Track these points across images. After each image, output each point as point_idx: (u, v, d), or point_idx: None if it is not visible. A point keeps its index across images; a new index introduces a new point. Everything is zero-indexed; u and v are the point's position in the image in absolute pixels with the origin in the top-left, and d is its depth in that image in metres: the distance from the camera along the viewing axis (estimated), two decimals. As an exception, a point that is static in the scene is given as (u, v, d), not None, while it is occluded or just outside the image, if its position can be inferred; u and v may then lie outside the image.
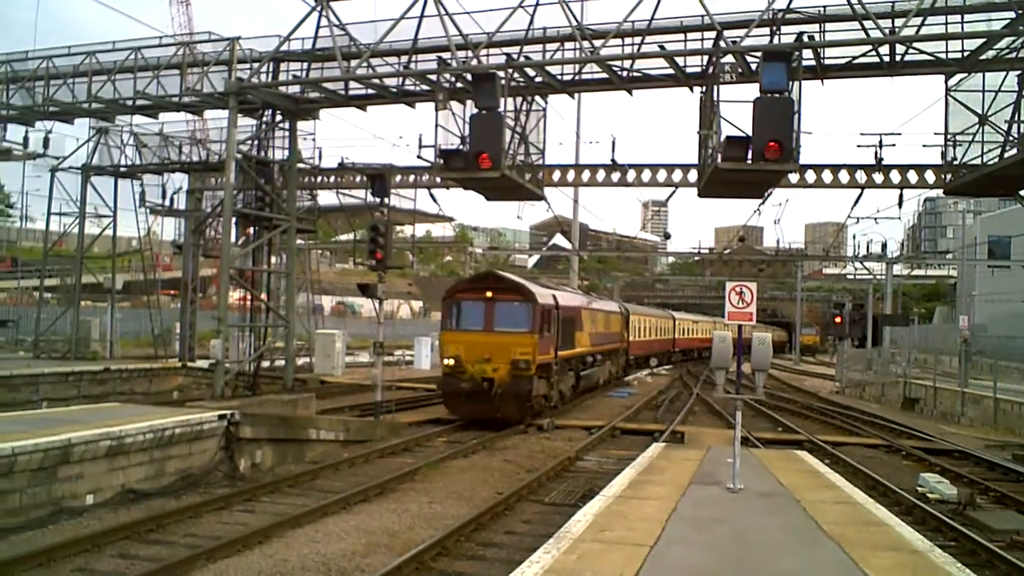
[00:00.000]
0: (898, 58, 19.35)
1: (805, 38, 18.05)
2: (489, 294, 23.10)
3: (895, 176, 22.64)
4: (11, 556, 10.19)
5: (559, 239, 79.91)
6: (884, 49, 19.06)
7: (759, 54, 17.22)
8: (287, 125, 24.07)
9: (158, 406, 18.84)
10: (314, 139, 26.49)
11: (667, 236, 67.02)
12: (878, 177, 22.69)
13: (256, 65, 22.48)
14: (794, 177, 22.25)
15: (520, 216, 56.15)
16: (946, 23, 18.33)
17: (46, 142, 30.89)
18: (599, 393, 35.17)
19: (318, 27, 20.55)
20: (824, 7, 19.40)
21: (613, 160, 24.96)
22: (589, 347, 30.90)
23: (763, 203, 27.14)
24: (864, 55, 19.43)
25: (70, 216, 33.12)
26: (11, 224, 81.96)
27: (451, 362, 22.88)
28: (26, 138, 30.77)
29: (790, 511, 11.28)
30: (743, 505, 11.51)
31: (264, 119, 23.71)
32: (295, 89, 23.32)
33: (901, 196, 24.07)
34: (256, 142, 23.84)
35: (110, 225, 33.57)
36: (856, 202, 24.54)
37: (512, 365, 22.44)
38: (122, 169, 31.86)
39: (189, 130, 31.32)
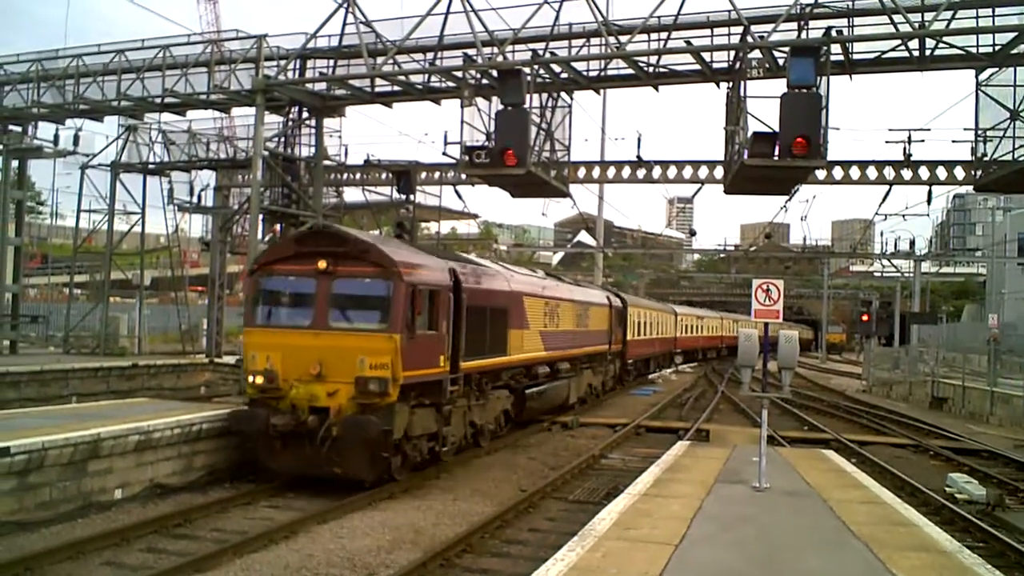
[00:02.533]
0: (928, 53, 19.15)
1: (833, 33, 17.92)
2: (322, 264, 14.19)
3: (924, 172, 22.42)
4: (42, 549, 10.31)
5: (584, 236, 79.69)
6: (913, 43, 18.86)
7: (787, 49, 17.08)
8: (313, 122, 24.19)
9: (186, 402, 18.99)
10: (340, 136, 26.58)
11: (693, 233, 66.38)
12: (907, 173, 22.47)
13: (283, 62, 22.60)
14: (821, 173, 22.09)
15: (545, 213, 56.18)
16: (976, 17, 18.11)
17: (76, 140, 31.20)
18: (621, 392, 35.02)
19: (344, 24, 20.62)
20: (852, 1, 19.24)
21: (639, 156, 24.88)
22: (541, 352, 21.51)
23: (790, 200, 27.03)
24: (893, 50, 19.24)
25: (99, 213, 33.45)
26: (42, 221, 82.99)
27: (259, 379, 14.21)
28: (56, 136, 31.13)
29: (817, 511, 11.19)
30: (769, 504, 11.43)
31: (291, 116, 23.85)
32: (321, 86, 23.43)
33: (930, 193, 23.88)
34: (283, 139, 23.98)
35: (139, 222, 33.85)
36: (884, 199, 24.36)
37: (357, 387, 13.61)
38: (150, 166, 32.13)
39: (217, 127, 31.54)
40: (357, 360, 13.66)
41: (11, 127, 30.65)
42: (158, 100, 25.28)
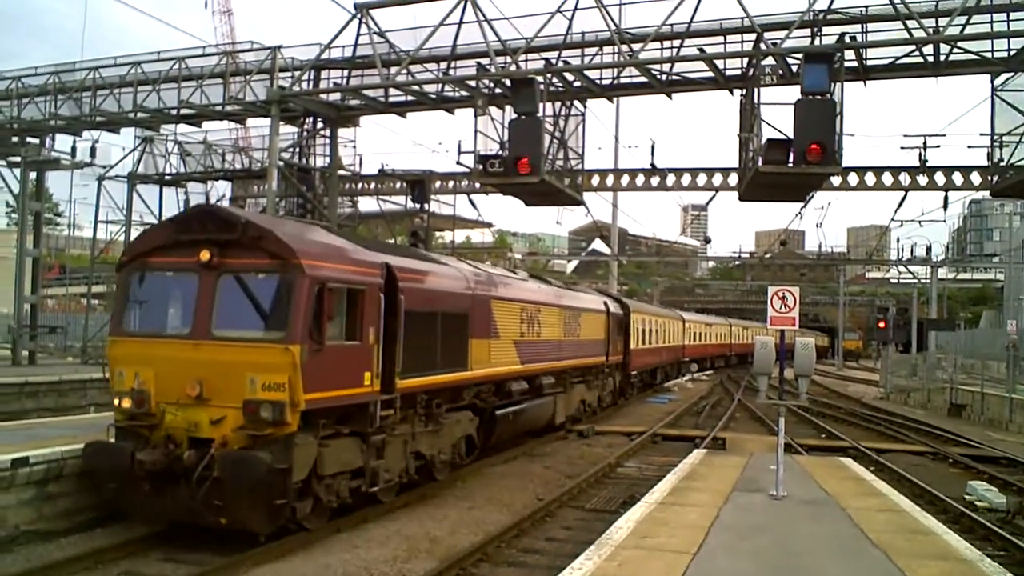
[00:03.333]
0: (942, 58, 19.09)
1: (847, 39, 17.88)
2: (205, 255, 11.16)
3: (940, 178, 22.32)
4: (61, 558, 10.36)
5: (598, 244, 79.68)
6: (928, 49, 18.81)
7: (800, 56, 17.07)
8: (328, 132, 24.31)
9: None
10: (354, 146, 26.71)
11: (707, 240, 66.24)
12: (922, 179, 22.38)
13: (297, 73, 22.75)
14: (836, 180, 22.01)
15: (559, 221, 56.27)
16: (991, 21, 18.06)
17: (93, 151, 31.50)
18: (636, 400, 34.91)
19: (358, 35, 20.73)
20: (866, 7, 19.20)
21: (652, 164, 24.88)
22: (516, 365, 18.43)
23: (805, 206, 26.98)
24: (907, 55, 19.19)
25: (117, 224, 33.74)
26: (59, 232, 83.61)
27: (127, 403, 11.27)
28: (74, 148, 31.46)
29: (835, 519, 11.12)
30: (787, 512, 11.37)
31: (305, 127, 23.99)
32: (336, 96, 23.56)
33: (946, 198, 23.78)
34: (298, 150, 24.13)
35: (155, 233, 34.00)
36: (900, 205, 24.56)
37: (246, 413, 10.66)
38: (167, 177, 32.37)
39: (232, 138, 31.74)
40: (246, 379, 10.65)
41: (29, 139, 30.97)
42: (174, 112, 25.48)
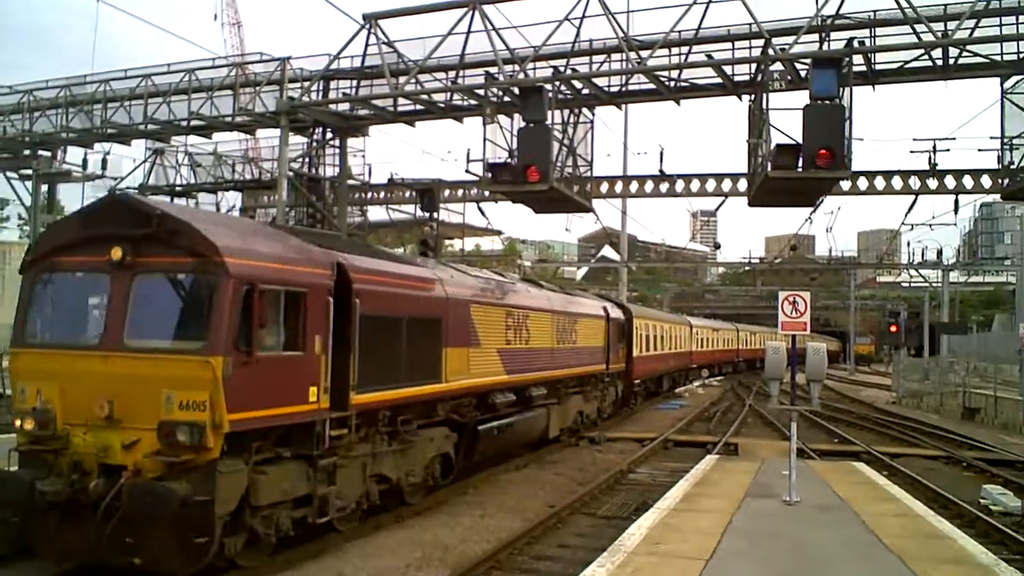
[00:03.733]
0: (951, 61, 19.05)
1: (855, 43, 17.87)
2: (117, 253, 9.68)
3: (950, 181, 22.26)
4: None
5: (607, 251, 79.70)
6: (937, 53, 18.77)
7: (808, 61, 17.07)
8: (337, 142, 24.40)
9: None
10: (364, 156, 26.83)
11: (717, 246, 66.36)
12: (932, 183, 22.33)
13: (307, 84, 22.85)
14: (846, 184, 21.98)
15: (568, 228, 56.37)
16: (1000, 25, 18.04)
17: (104, 163, 31.67)
18: (647, 406, 34.84)
19: (367, 45, 20.81)
20: (874, 12, 19.19)
21: (661, 170, 24.89)
22: (501, 376, 17.01)
23: (814, 211, 26.93)
24: (916, 59, 19.16)
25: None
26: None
27: (29, 424, 9.77)
28: (85, 160, 31.63)
29: (849, 524, 11.09)
30: (800, 518, 11.35)
31: (315, 137, 24.07)
32: (345, 106, 23.66)
33: (957, 202, 23.73)
34: (307, 160, 24.21)
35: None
36: (910, 209, 24.31)
37: (161, 436, 9.25)
38: (177, 188, 32.49)
39: (242, 149, 31.88)
40: (162, 396, 9.21)
41: (41, 152, 31.18)
42: (184, 123, 25.62)
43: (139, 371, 9.43)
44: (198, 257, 9.52)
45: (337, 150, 24.48)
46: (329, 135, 24.25)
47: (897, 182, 22.56)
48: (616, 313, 27.93)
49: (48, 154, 31.39)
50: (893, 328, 62.19)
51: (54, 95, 28.10)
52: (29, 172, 31.71)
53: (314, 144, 24.17)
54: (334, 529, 11.86)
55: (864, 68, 19.04)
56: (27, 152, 31.27)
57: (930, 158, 22.32)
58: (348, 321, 11.36)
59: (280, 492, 10.32)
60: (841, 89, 16.22)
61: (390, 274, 13.22)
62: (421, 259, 17.18)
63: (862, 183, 22.71)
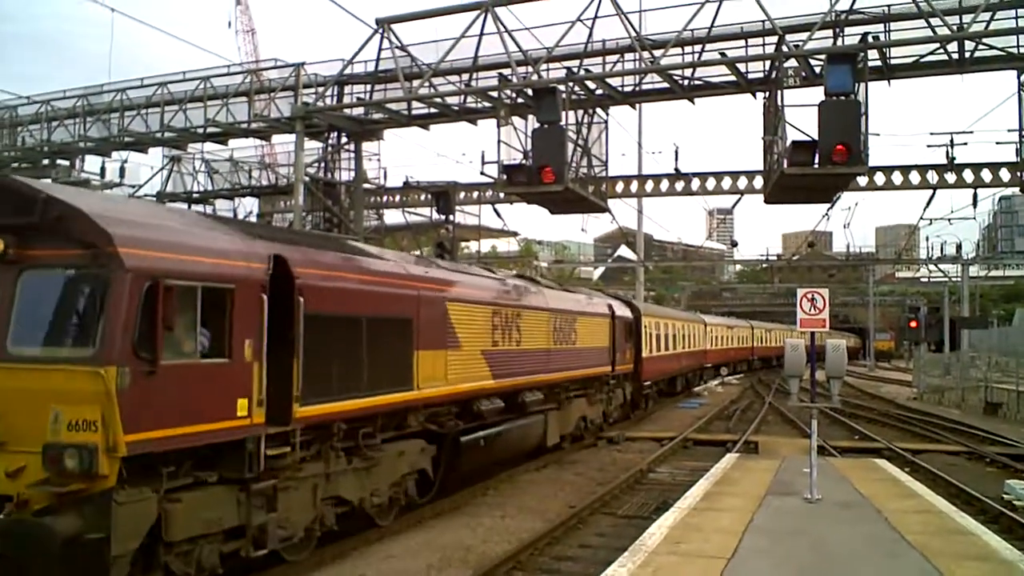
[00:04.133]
0: (967, 55, 18.93)
1: (870, 38, 17.79)
2: None
3: (968, 175, 22.11)
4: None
5: (624, 250, 79.51)
6: (953, 46, 18.68)
7: (823, 57, 17.01)
8: (352, 147, 24.51)
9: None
10: (379, 159, 26.89)
11: (734, 244, 66.01)
12: (950, 177, 22.19)
13: (321, 89, 22.97)
14: (863, 180, 21.86)
15: (584, 229, 56.08)
16: (1016, 17, 17.91)
17: (122, 171, 31.92)
18: (668, 404, 34.75)
19: (380, 49, 20.92)
20: (888, 6, 19.11)
21: (677, 169, 24.84)
22: (487, 381, 15.36)
23: (831, 208, 26.82)
24: (932, 53, 19.06)
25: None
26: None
27: None
28: (103, 168, 31.88)
29: (871, 521, 11.04)
30: (822, 515, 11.31)
31: (330, 141, 24.19)
32: (359, 111, 23.76)
33: (975, 195, 23.53)
34: (323, 164, 24.33)
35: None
36: (928, 203, 24.13)
37: (46, 461, 7.61)
38: (195, 195, 32.72)
39: (258, 155, 32.06)
40: (49, 413, 7.69)
41: (59, 162, 31.45)
42: (201, 130, 25.82)
43: (24, 384, 7.89)
44: (89, 248, 7.98)
45: (352, 154, 24.60)
46: (344, 139, 24.38)
47: (915, 177, 22.43)
48: (623, 311, 26.24)
49: (67, 163, 31.66)
50: (913, 323, 61.75)
51: (72, 105, 28.40)
52: (48, 181, 31.99)
53: (329, 149, 24.29)
54: (282, 560, 10.41)
55: (879, 63, 18.95)
56: (46, 162, 31.56)
57: (947, 152, 22.20)
58: (285, 322, 9.80)
59: (202, 523, 8.78)
60: (856, 84, 16.15)
61: (344, 268, 11.58)
62: (388, 251, 15.09)
63: (879, 178, 22.60)
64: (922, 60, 19.22)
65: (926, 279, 79.42)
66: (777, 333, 70.83)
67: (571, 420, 21.18)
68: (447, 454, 14.29)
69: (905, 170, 22.53)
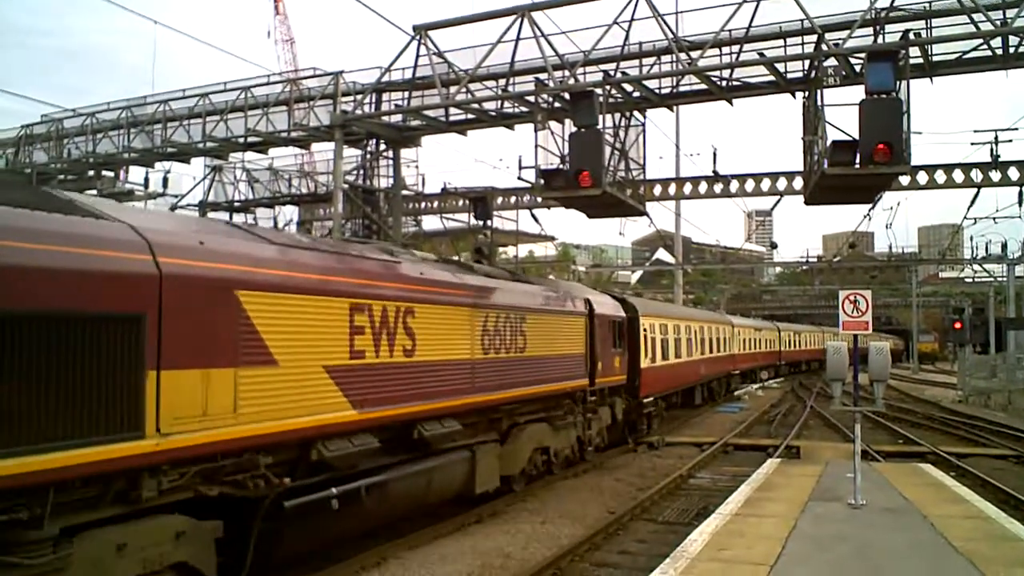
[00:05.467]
0: (1011, 50, 18.59)
1: (911, 35, 17.53)
2: None
3: (1013, 173, 21.73)
4: None
5: (661, 253, 79.11)
6: (996, 42, 18.35)
7: (863, 55, 16.79)
8: (391, 153, 24.67)
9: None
10: (417, 166, 27.09)
11: (774, 246, 65.60)
12: (995, 175, 21.84)
13: (359, 97, 23.14)
14: (905, 179, 21.57)
15: (622, 232, 55.85)
16: (1062, 11, 17.54)
17: (165, 182, 32.45)
18: (708, 409, 34.48)
19: (417, 56, 21.01)
20: (930, 2, 18.84)
21: (715, 171, 24.69)
22: (341, 411, 10.18)
23: (873, 208, 26.47)
24: (975, 49, 18.74)
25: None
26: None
27: None
28: (146, 179, 32.43)
29: (917, 527, 10.87)
30: (866, 521, 11.15)
31: (368, 149, 24.37)
32: (397, 118, 23.90)
33: (1021, 194, 23.07)
34: (362, 171, 24.52)
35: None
36: (972, 202, 23.69)
37: None
38: (236, 204, 33.14)
39: (297, 163, 32.37)
40: None
41: (104, 173, 32.04)
42: (241, 140, 26.14)
43: None
44: None
45: (390, 161, 24.75)
46: (382, 146, 24.53)
47: (958, 175, 22.08)
48: (608, 310, 21.07)
49: (111, 174, 32.26)
50: (957, 325, 60.78)
51: (116, 117, 28.92)
52: (93, 192, 32.57)
53: (368, 156, 24.46)
54: None
55: (921, 60, 18.68)
56: (91, 173, 32.16)
57: (992, 150, 21.85)
58: None
59: None
60: (898, 82, 15.93)
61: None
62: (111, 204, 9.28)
63: (922, 177, 22.28)
64: (965, 56, 18.92)
65: (970, 279, 78.14)
66: (807, 336, 69.11)
67: (521, 454, 16.07)
68: (257, 531, 9.23)
69: (948, 169, 22.19)
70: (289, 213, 34.48)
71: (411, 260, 13.50)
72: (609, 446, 21.80)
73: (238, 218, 33.82)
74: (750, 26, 18.85)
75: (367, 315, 10.84)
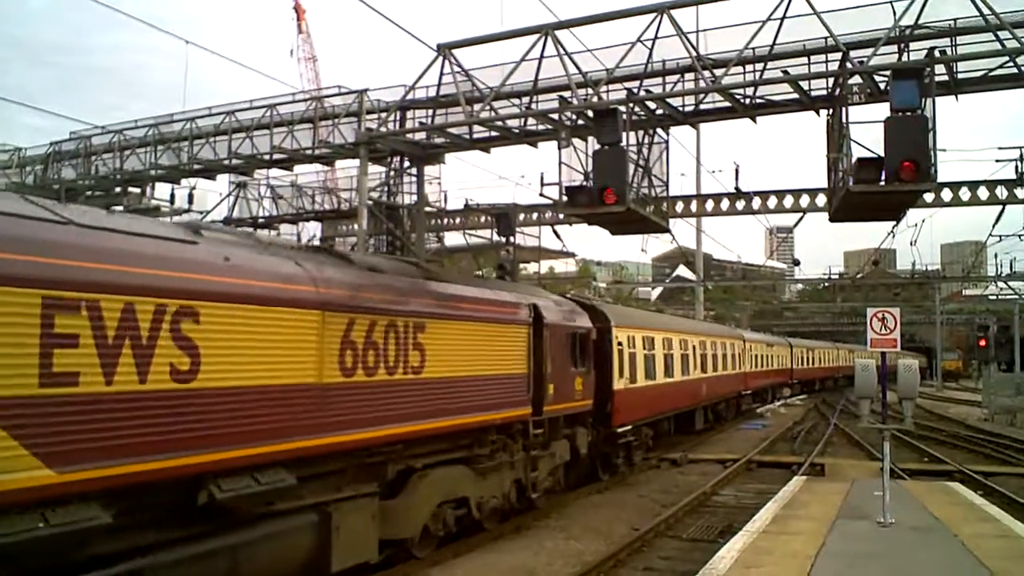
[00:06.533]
0: (1037, 67, 18.51)
1: (936, 53, 17.49)
2: None
3: (1039, 190, 21.61)
4: None
5: (683, 270, 78.99)
6: (1022, 59, 18.27)
7: (888, 73, 16.77)
8: (414, 170, 24.81)
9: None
10: (440, 182, 27.18)
11: (796, 263, 65.10)
12: (1020, 192, 21.70)
13: (383, 115, 23.29)
14: (930, 196, 21.46)
15: (644, 249, 55.78)
16: (1088, 29, 17.45)
17: (191, 198, 32.76)
18: (730, 426, 34.31)
19: (441, 74, 21.13)
20: (955, 20, 18.78)
21: (737, 188, 24.65)
22: (36, 476, 6.66)
23: (897, 225, 26.36)
24: (1001, 67, 18.67)
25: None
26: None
27: None
28: (172, 195, 32.74)
29: (947, 545, 10.80)
30: (896, 540, 11.09)
31: (392, 166, 24.52)
32: (421, 135, 24.03)
33: (1047, 210, 22.93)
34: (385, 188, 24.66)
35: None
36: (998, 219, 23.55)
37: None
38: (260, 220, 33.41)
39: (320, 180, 32.63)
40: None
41: (131, 189, 32.39)
42: (266, 157, 26.36)
43: None
44: None
45: (414, 178, 24.88)
46: (406, 164, 24.68)
47: (983, 192, 21.96)
48: (561, 317, 17.33)
49: (138, 191, 32.59)
50: (982, 342, 60.26)
51: (143, 134, 29.28)
52: (120, 209, 32.95)
53: (392, 173, 24.61)
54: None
55: (946, 78, 18.63)
56: (118, 189, 32.52)
57: (1017, 166, 21.73)
58: None
59: None
60: (923, 100, 15.89)
61: None
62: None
63: (946, 195, 22.17)
64: (990, 74, 18.84)
65: (995, 296, 77.52)
66: (820, 353, 66.56)
67: (419, 510, 12.43)
68: None
69: (973, 186, 22.08)
70: (312, 229, 34.75)
71: (221, 240, 9.96)
72: (579, 483, 19.07)
73: (262, 234, 34.17)
74: (774, 44, 18.84)
75: (86, 318, 7.29)
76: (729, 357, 34.68)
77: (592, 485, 18.82)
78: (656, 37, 19.01)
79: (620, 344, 20.83)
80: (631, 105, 19.47)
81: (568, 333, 17.34)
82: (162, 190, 33.00)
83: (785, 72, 19.25)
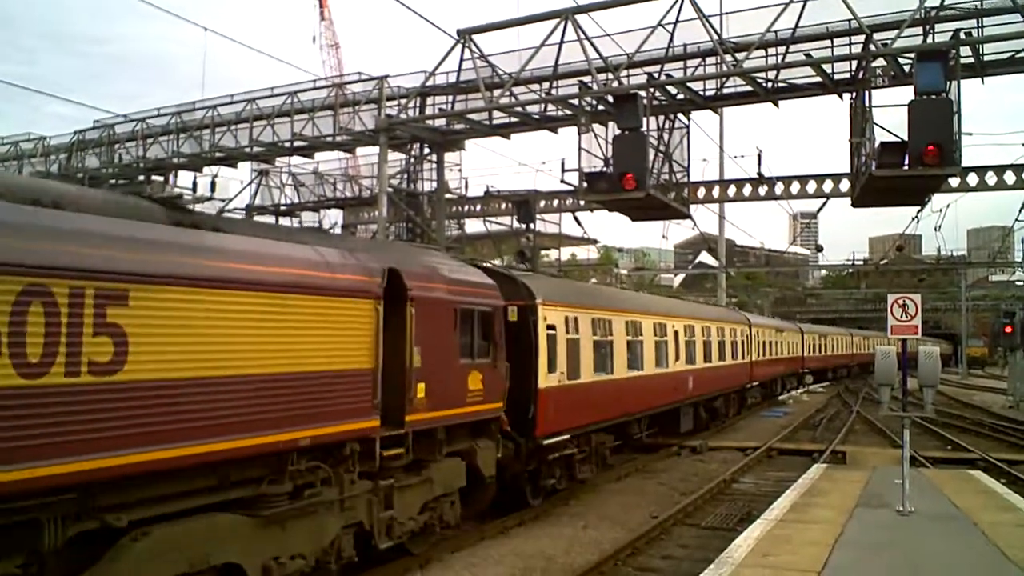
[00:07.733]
0: (1065, 49, 18.20)
1: (961, 35, 17.23)
2: None
3: (1067, 174, 21.26)
4: None
5: (705, 256, 78.58)
6: (1050, 41, 17.97)
7: (912, 55, 16.54)
8: (435, 157, 24.78)
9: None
10: (460, 169, 27.12)
11: (819, 249, 64.89)
12: (1048, 176, 21.37)
13: (404, 101, 23.27)
14: (955, 181, 21.15)
15: (666, 236, 55.20)
16: (1118, 9, 17.12)
17: (213, 186, 32.87)
18: (752, 413, 34.16)
19: (461, 60, 21.07)
20: (981, 1, 18.49)
21: (759, 173, 24.43)
22: None
23: (922, 210, 26.04)
24: (1027, 49, 18.37)
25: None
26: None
27: None
28: (195, 183, 32.84)
29: (967, 535, 10.68)
30: (915, 528, 10.99)
31: (412, 153, 24.51)
32: (441, 122, 23.99)
33: (1075, 195, 22.58)
34: (406, 175, 24.67)
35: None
36: (1024, 205, 23.20)
37: None
38: (282, 208, 33.53)
39: (342, 167, 32.68)
40: None
41: (154, 177, 32.57)
42: (288, 144, 26.42)
43: None
44: None
45: (434, 165, 24.86)
46: (426, 150, 24.66)
47: (1010, 176, 21.63)
48: (439, 288, 12.13)
49: (160, 179, 32.76)
50: (1008, 329, 59.50)
51: (166, 122, 29.44)
52: (143, 196, 33.14)
53: (412, 160, 24.61)
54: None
55: (971, 60, 18.35)
56: (141, 178, 32.70)
57: (1045, 150, 21.41)
58: None
59: None
60: (948, 83, 15.66)
61: None
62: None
63: (972, 179, 21.86)
64: (1017, 56, 18.55)
65: (1022, 283, 76.61)
66: (834, 339, 62.53)
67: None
68: None
69: (999, 170, 21.76)
70: (334, 216, 34.83)
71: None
72: (497, 512, 14.60)
73: (283, 221, 34.29)
74: (796, 27, 18.65)
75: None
76: (729, 344, 30.30)
77: (612, 471, 18.70)
78: (677, 21, 18.87)
79: (552, 328, 15.88)
80: (652, 90, 19.34)
81: (457, 311, 12.34)
82: (184, 178, 33.17)
83: (807, 55, 19.05)
